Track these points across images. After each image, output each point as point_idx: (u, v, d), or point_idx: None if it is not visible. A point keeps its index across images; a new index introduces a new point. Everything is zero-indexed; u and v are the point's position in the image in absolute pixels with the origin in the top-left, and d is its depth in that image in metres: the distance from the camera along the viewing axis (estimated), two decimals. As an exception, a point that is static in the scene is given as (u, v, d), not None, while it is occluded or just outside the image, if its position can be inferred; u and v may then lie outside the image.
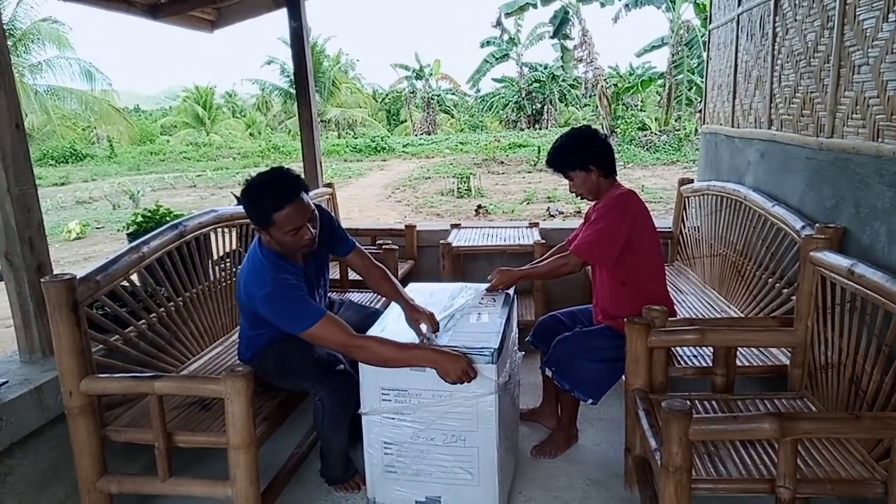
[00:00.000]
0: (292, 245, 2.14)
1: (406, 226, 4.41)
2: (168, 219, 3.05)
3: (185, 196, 15.92)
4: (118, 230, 11.15)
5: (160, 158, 26.43)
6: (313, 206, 2.18)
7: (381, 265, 2.61)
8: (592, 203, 2.62)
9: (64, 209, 14.43)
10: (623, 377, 2.47)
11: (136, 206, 13.93)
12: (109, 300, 2.18)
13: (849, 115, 2.29)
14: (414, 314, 2.35)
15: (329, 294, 2.69)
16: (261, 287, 2.11)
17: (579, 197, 2.59)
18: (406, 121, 37.18)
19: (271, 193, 2.07)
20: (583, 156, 2.48)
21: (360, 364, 2.19)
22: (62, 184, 19.74)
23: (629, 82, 25.85)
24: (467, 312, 2.47)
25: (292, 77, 4.86)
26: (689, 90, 22.51)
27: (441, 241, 3.94)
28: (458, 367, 2.02)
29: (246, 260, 2.29)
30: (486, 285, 2.63)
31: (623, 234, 2.41)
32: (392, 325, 2.36)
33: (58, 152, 26.11)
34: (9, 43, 2.27)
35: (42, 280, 1.88)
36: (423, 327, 2.27)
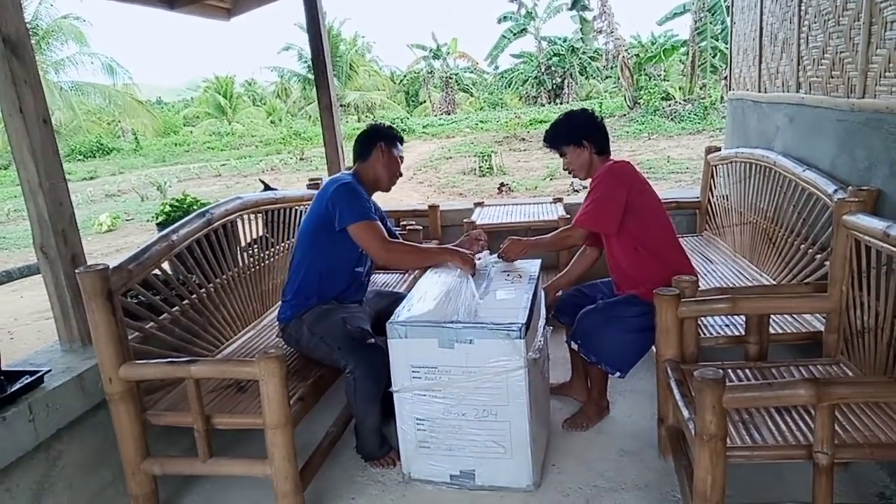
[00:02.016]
0: (395, 167, 2.67)
1: (429, 206, 4.40)
2: (195, 207, 3.10)
3: (210, 185, 16.13)
4: (147, 221, 11.37)
5: (185, 149, 26.78)
6: None
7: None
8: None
9: (94, 203, 14.74)
10: (652, 349, 2.47)
11: (164, 197, 14.17)
12: (143, 288, 2.23)
13: (881, 74, 2.22)
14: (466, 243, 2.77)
15: None
16: (339, 181, 2.52)
17: (571, 174, 2.69)
18: (425, 101, 36.93)
19: (398, 133, 2.76)
20: (576, 131, 2.58)
21: (389, 342, 2.22)
22: (91, 178, 20.15)
23: (651, 52, 25.27)
24: (495, 288, 2.48)
25: (310, 63, 4.86)
26: (713, 57, 21.95)
27: (465, 220, 3.94)
28: (464, 260, 2.55)
29: (323, 185, 2.65)
30: (494, 256, 2.75)
31: (621, 199, 2.45)
32: (418, 304, 2.37)
33: (85, 147, 26.61)
34: (32, 41, 2.31)
35: (77, 271, 1.93)
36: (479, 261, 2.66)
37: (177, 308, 2.41)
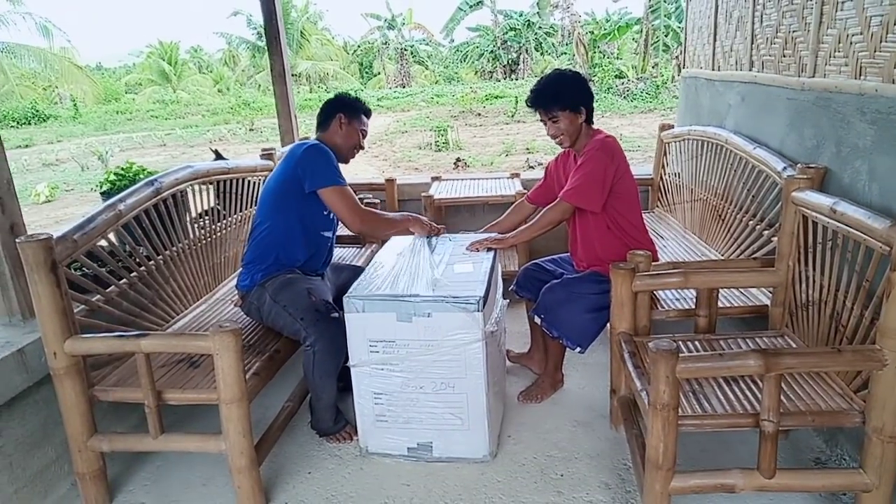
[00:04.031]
0: (354, 140, 2.62)
1: (386, 180, 4.34)
2: (141, 177, 2.98)
3: (155, 155, 15.55)
4: (91, 190, 10.89)
5: (127, 117, 25.68)
6: None
7: None
8: (557, 155, 2.72)
9: (30, 172, 14.03)
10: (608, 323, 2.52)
11: (106, 167, 13.59)
12: (89, 260, 2.13)
13: (831, 54, 2.28)
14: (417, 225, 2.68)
15: None
16: (308, 144, 2.48)
17: (557, 140, 2.52)
18: (379, 73, 36.34)
19: (366, 104, 2.69)
20: (573, 95, 2.44)
21: (346, 317, 2.19)
22: (26, 146, 19.14)
23: (606, 29, 25.48)
24: (452, 262, 2.47)
25: (260, 30, 4.69)
26: (665, 36, 22.30)
27: (423, 194, 3.90)
28: (423, 224, 2.64)
29: (287, 151, 2.60)
30: (467, 237, 2.71)
31: (610, 177, 2.43)
32: (376, 278, 2.34)
33: (18, 113, 25.23)
34: None
35: (18, 240, 1.83)
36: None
37: (124, 280, 2.31)
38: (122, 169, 3.01)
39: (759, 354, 1.60)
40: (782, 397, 1.73)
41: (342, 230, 2.74)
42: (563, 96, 2.43)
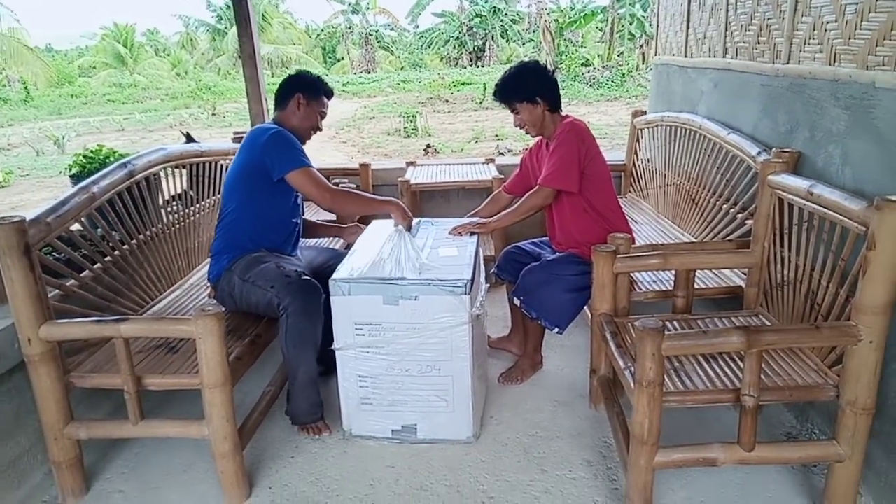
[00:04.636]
0: (312, 122, 2.53)
1: (361, 164, 4.30)
2: (112, 159, 2.88)
3: (114, 140, 15.06)
4: (49, 177, 10.52)
5: (82, 101, 24.80)
6: None
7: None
8: (532, 145, 2.75)
9: (-20, 157, 13.47)
10: (586, 306, 2.56)
11: (63, 152, 13.13)
12: (62, 244, 2.06)
13: (806, 41, 2.33)
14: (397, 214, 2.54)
15: None
16: (269, 130, 2.40)
17: (523, 130, 2.64)
18: (343, 58, 35.86)
19: (327, 85, 2.59)
20: (530, 87, 2.53)
21: (332, 300, 2.18)
22: (-26, 129, 18.35)
23: (571, 17, 25.61)
24: (436, 246, 2.47)
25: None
26: (630, 24, 22.53)
27: (399, 179, 3.88)
28: (403, 210, 2.49)
29: (248, 134, 2.51)
30: (449, 221, 2.72)
31: (581, 156, 2.49)
32: (361, 261, 2.33)
33: (-35, 96, 24.13)
34: None
35: (-10, 223, 1.75)
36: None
37: (98, 265, 2.25)
38: (92, 151, 2.92)
39: (741, 331, 1.64)
40: (761, 374, 1.79)
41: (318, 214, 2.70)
42: (520, 89, 2.53)
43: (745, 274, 2.45)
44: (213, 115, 19.23)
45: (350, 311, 2.19)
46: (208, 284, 2.53)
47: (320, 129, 2.61)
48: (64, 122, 18.91)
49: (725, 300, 2.64)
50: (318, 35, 37.17)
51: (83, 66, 34.89)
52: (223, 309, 2.00)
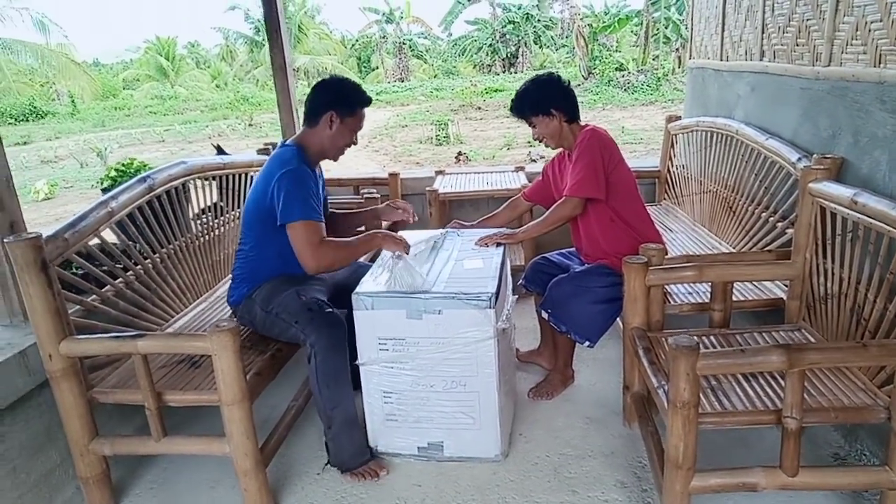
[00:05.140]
0: (345, 140, 2.33)
1: (390, 174, 4.28)
2: (143, 173, 2.92)
3: (154, 151, 15.48)
4: (91, 187, 10.83)
5: (125, 113, 25.58)
6: None
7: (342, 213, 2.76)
8: (554, 156, 2.71)
9: (28, 169, 13.96)
10: (618, 318, 2.47)
11: (105, 164, 13.51)
12: (83, 259, 2.08)
13: (848, 42, 2.22)
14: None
15: None
16: (284, 166, 2.20)
17: (542, 143, 2.61)
18: (378, 67, 36.18)
19: (364, 93, 2.33)
20: (545, 100, 2.49)
21: (355, 314, 2.14)
22: (24, 143, 19.05)
23: (605, 21, 25.35)
24: (461, 258, 2.42)
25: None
26: (665, 28, 22.18)
27: (427, 188, 3.85)
28: (393, 239, 2.31)
29: (268, 160, 2.34)
30: (475, 232, 2.68)
31: (604, 163, 2.43)
32: (384, 274, 2.29)
33: (16, 110, 25.08)
34: None
35: (6, 240, 1.77)
36: (395, 255, 2.30)
37: (121, 280, 2.26)
38: (123, 165, 2.96)
39: (782, 350, 1.55)
40: (804, 393, 1.69)
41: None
42: (534, 102, 2.50)
43: (786, 286, 2.34)
44: (250, 125, 19.57)
45: (373, 326, 2.15)
46: (228, 308, 2.45)
47: (355, 143, 2.41)
48: (107, 135, 19.51)
49: (766, 313, 2.53)
50: (353, 45, 37.59)
51: (127, 79, 36.00)
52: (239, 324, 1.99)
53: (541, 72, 2.79)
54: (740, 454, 2.14)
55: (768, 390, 1.83)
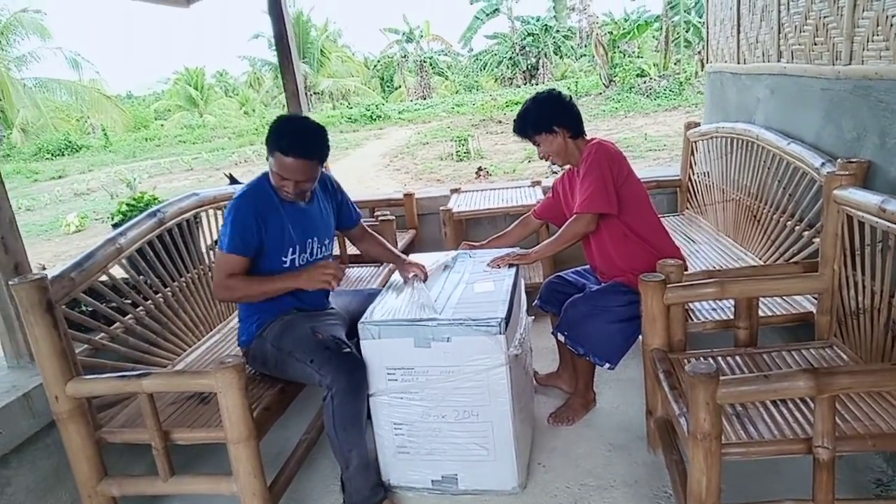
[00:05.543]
0: (275, 181, 2.13)
1: (404, 195, 4.25)
2: (153, 206, 2.92)
3: (182, 180, 15.78)
4: (117, 219, 11.04)
5: (155, 144, 26.22)
6: (316, 174, 2.17)
7: (375, 234, 2.66)
8: (563, 173, 2.64)
9: (62, 202, 14.35)
10: (640, 336, 2.37)
11: (134, 194, 13.81)
12: (91, 297, 2.06)
13: (869, 38, 2.10)
14: (404, 266, 2.46)
15: None
16: (238, 194, 2.17)
17: (547, 161, 2.57)
18: (400, 86, 36.55)
19: (290, 137, 2.07)
20: (547, 118, 2.43)
21: (362, 344, 2.08)
22: (59, 177, 19.63)
23: (625, 28, 25.18)
24: (472, 281, 2.35)
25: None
26: (686, 31, 21.92)
27: (441, 208, 3.79)
28: (318, 274, 2.14)
29: None
30: (487, 253, 2.62)
31: (613, 175, 2.35)
32: (391, 301, 2.24)
33: (53, 145, 25.92)
34: None
35: (10, 282, 1.77)
36: (412, 277, 2.39)
37: (130, 316, 2.24)
38: (135, 199, 2.97)
39: (809, 375, 1.44)
40: (837, 419, 1.57)
41: (352, 250, 2.59)
42: (535, 121, 2.45)
43: (815, 299, 2.21)
44: (276, 150, 19.84)
45: (381, 355, 2.09)
46: (239, 350, 2.34)
47: (288, 192, 2.11)
48: (137, 165, 19.98)
49: (796, 328, 2.39)
50: (375, 65, 38.04)
51: (159, 110, 37.00)
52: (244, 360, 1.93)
53: (541, 90, 2.73)
54: (771, 481, 2.02)
55: (798, 415, 1.71)
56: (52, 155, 25.58)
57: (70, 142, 26.78)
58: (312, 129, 2.13)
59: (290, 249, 2.20)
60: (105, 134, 27.91)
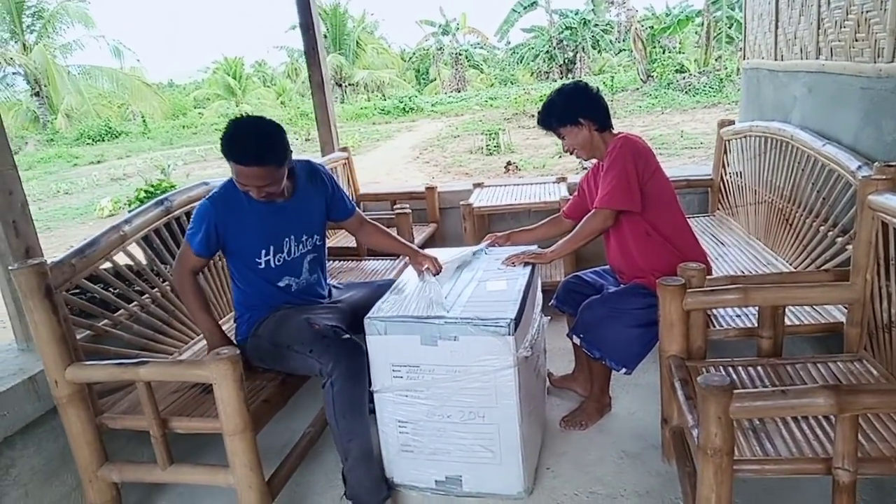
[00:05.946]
0: (240, 189, 2.09)
1: (426, 188, 4.20)
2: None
3: (216, 168, 15.97)
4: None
5: (192, 132, 26.59)
6: (280, 176, 2.06)
7: (375, 223, 2.58)
8: (589, 169, 2.55)
9: (98, 187, 14.67)
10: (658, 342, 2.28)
11: (168, 180, 14.04)
12: (97, 284, 2.06)
13: (914, 34, 1.97)
14: (416, 258, 2.41)
15: (330, 282, 2.50)
16: (209, 194, 2.15)
17: (572, 154, 2.46)
18: (435, 79, 36.40)
19: (242, 145, 1.97)
20: (572, 110, 2.34)
21: (367, 339, 2.04)
22: (98, 162, 20.05)
23: (665, 23, 24.64)
24: (485, 279, 2.29)
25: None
26: (728, 27, 21.33)
27: (462, 203, 3.72)
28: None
29: None
30: (504, 250, 2.54)
31: (638, 171, 2.25)
32: (399, 297, 2.19)
33: (94, 131, 26.49)
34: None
35: (10, 268, 1.77)
36: (425, 270, 2.34)
37: (135, 303, 2.24)
38: (153, 186, 2.98)
39: (830, 392, 1.34)
40: (861, 438, 1.47)
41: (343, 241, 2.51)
42: (560, 113, 2.36)
43: (846, 309, 2.09)
44: (307, 140, 19.97)
45: (387, 352, 2.04)
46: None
47: (256, 197, 2.06)
48: (174, 152, 20.30)
49: (825, 338, 2.27)
50: (411, 58, 37.97)
51: (198, 98, 37.51)
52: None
53: (567, 82, 2.64)
54: (790, 499, 1.91)
55: (819, 432, 1.61)
56: (93, 140, 26.17)
57: (110, 128, 27.35)
58: (266, 134, 1.99)
59: (264, 251, 2.17)
60: (144, 121, 28.43)
